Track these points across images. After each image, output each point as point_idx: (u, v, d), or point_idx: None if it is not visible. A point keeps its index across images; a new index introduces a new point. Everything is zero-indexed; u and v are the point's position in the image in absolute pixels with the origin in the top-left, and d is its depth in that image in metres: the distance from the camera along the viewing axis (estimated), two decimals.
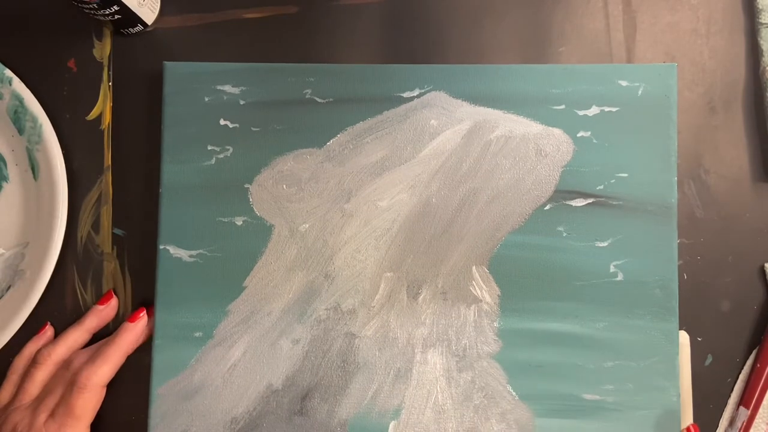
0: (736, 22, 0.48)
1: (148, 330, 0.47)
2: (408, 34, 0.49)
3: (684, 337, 0.46)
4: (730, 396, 0.46)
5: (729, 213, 0.47)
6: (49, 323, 0.48)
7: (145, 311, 0.46)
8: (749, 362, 0.46)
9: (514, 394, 0.45)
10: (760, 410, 0.46)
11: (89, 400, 0.44)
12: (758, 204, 0.47)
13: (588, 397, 0.45)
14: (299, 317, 0.46)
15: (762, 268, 0.47)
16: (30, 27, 0.50)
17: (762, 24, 0.47)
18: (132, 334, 0.46)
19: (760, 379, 0.46)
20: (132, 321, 0.46)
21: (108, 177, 0.49)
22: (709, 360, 0.47)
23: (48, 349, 0.46)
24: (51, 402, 0.44)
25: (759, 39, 0.47)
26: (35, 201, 0.49)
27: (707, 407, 0.46)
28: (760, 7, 0.47)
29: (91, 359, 0.45)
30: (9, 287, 0.48)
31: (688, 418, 0.46)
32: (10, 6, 0.50)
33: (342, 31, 0.49)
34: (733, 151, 0.48)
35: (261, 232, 0.46)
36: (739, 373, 0.47)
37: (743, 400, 0.46)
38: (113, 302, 0.48)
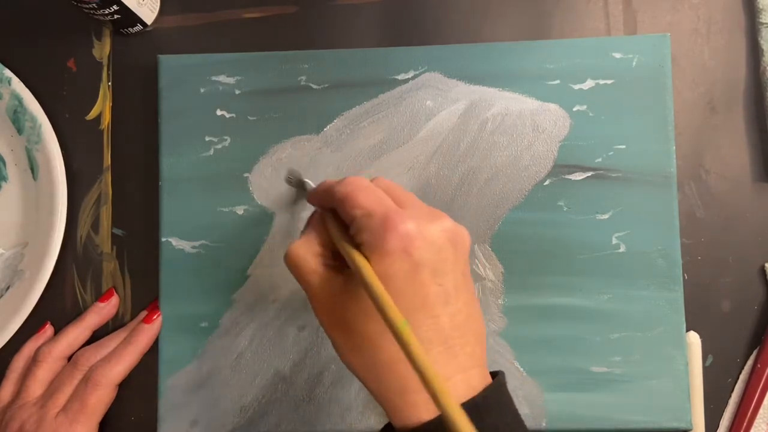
0: (736, 22, 0.48)
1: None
2: (407, 34, 0.49)
3: (694, 337, 0.46)
4: (730, 396, 0.46)
5: (729, 213, 0.47)
6: (49, 323, 0.48)
7: (159, 312, 0.46)
8: (749, 362, 0.46)
9: (521, 370, 0.45)
10: (761, 410, 0.45)
11: (103, 397, 0.44)
12: (758, 204, 0.47)
13: (596, 369, 0.45)
14: (304, 303, 0.46)
15: (762, 268, 0.47)
16: (30, 27, 0.50)
17: (762, 24, 0.47)
18: (148, 335, 0.46)
19: (760, 379, 0.45)
20: (148, 322, 0.46)
21: (108, 177, 0.49)
22: (709, 360, 0.46)
23: (48, 347, 0.45)
24: (61, 398, 0.44)
25: (759, 39, 0.47)
26: (34, 201, 0.49)
27: (707, 407, 0.46)
28: (760, 7, 0.47)
29: (107, 358, 0.45)
30: (8, 287, 0.48)
31: (699, 421, 0.45)
32: (10, 6, 0.50)
33: (342, 31, 0.49)
34: (733, 151, 0.47)
35: (262, 220, 0.46)
36: (739, 373, 0.46)
37: (743, 400, 0.46)
38: (114, 300, 0.48)
